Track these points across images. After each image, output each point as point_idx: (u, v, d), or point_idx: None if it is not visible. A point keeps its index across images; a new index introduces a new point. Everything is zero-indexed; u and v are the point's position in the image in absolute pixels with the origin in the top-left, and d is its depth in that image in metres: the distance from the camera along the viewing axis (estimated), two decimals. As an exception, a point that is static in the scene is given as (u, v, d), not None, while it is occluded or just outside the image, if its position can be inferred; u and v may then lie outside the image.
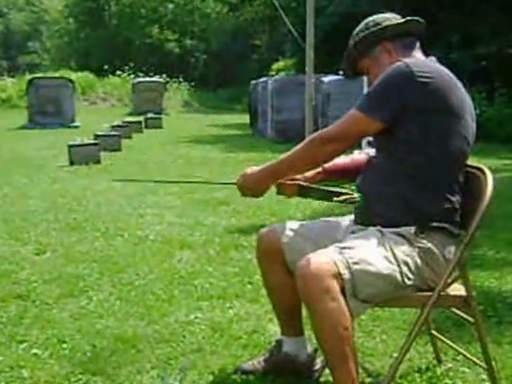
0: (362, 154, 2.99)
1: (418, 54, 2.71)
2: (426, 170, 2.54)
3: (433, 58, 2.69)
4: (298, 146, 2.67)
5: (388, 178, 2.57)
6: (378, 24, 2.71)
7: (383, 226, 2.57)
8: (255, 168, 2.80)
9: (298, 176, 2.85)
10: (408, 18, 2.71)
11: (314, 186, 2.84)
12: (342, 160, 2.95)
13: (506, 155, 12.16)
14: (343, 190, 2.76)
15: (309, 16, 12.99)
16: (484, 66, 17.42)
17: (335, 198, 2.73)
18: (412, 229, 2.54)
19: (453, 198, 2.59)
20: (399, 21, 2.70)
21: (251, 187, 2.80)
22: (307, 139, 2.67)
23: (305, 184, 2.83)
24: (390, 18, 2.72)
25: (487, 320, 3.54)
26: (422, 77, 2.48)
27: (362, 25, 2.77)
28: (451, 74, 2.59)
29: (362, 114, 2.55)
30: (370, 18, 2.76)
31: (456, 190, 2.61)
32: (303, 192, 2.82)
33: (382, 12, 2.87)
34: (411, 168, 2.54)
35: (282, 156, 2.71)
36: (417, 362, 3.13)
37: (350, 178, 2.85)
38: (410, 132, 2.51)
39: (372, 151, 2.79)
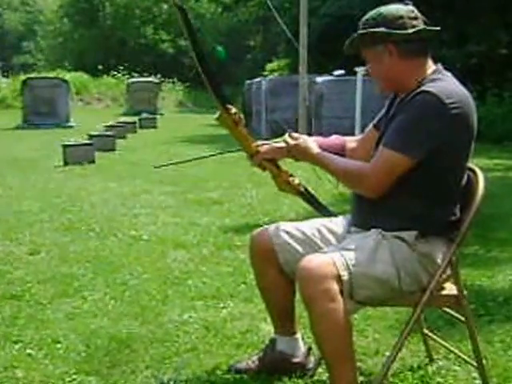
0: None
1: (424, 62, 2.61)
2: (436, 186, 2.56)
3: (447, 73, 2.62)
4: (349, 167, 2.65)
5: (392, 192, 2.56)
6: (386, 23, 2.55)
7: (384, 230, 2.59)
8: (310, 143, 2.76)
9: None
10: (419, 27, 2.56)
11: (312, 194, 3.02)
12: (332, 141, 2.96)
13: (497, 155, 12.19)
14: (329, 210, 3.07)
15: (302, 17, 13.01)
16: (476, 66, 17.46)
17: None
18: (413, 233, 2.55)
19: (455, 207, 2.62)
20: (406, 31, 2.55)
21: (296, 152, 2.78)
22: (358, 169, 2.61)
23: (304, 191, 2.98)
24: (403, 16, 2.55)
25: (478, 319, 3.55)
26: (453, 108, 2.45)
27: (374, 13, 2.61)
28: (467, 92, 2.57)
29: (401, 155, 2.47)
30: (383, 10, 2.59)
31: (458, 200, 2.63)
32: (301, 195, 3.00)
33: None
34: (419, 185, 2.55)
35: (333, 160, 2.68)
36: (409, 360, 3.15)
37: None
38: (430, 157, 2.49)
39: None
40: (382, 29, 2.56)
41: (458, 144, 2.53)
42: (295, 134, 2.85)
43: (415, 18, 2.59)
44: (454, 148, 2.52)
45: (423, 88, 2.50)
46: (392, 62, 2.60)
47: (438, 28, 2.62)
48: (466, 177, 2.65)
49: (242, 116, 2.88)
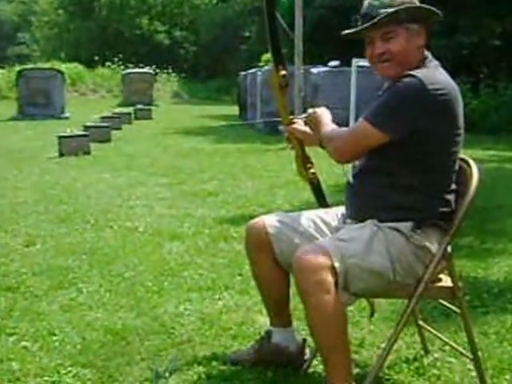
0: None
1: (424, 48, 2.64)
2: (426, 176, 2.56)
3: (436, 63, 2.64)
4: (331, 131, 2.72)
5: (386, 183, 2.58)
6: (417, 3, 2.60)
7: (380, 221, 2.59)
8: (325, 113, 2.85)
9: None
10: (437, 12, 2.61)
11: (321, 189, 3.13)
12: None
13: (490, 146, 12.21)
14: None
15: (297, 8, 12.96)
16: (468, 57, 17.46)
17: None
18: (409, 224, 2.55)
19: (449, 197, 2.62)
20: (438, 14, 2.60)
21: (313, 118, 2.87)
22: (336, 132, 2.69)
23: (316, 182, 3.10)
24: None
25: (473, 310, 3.57)
26: (435, 94, 2.46)
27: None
28: (453, 82, 2.58)
29: (373, 127, 2.50)
30: None
31: (451, 190, 2.63)
32: (311, 185, 3.12)
33: None
34: (411, 174, 2.56)
35: (327, 133, 2.73)
36: (404, 352, 3.16)
37: None
38: (414, 144, 2.51)
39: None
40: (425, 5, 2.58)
41: (440, 131, 2.52)
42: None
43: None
44: (437, 135, 2.51)
45: (410, 72, 2.52)
46: (413, 43, 2.59)
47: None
48: (457, 167, 2.65)
49: (288, 83, 2.92)
